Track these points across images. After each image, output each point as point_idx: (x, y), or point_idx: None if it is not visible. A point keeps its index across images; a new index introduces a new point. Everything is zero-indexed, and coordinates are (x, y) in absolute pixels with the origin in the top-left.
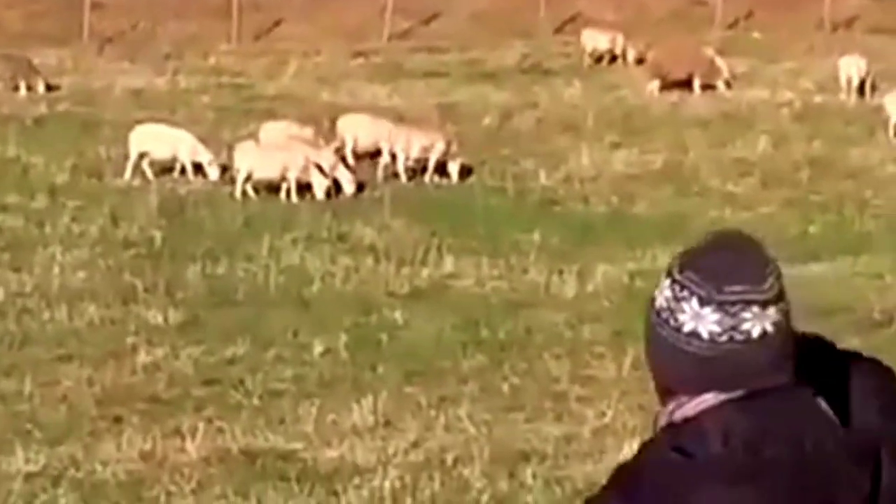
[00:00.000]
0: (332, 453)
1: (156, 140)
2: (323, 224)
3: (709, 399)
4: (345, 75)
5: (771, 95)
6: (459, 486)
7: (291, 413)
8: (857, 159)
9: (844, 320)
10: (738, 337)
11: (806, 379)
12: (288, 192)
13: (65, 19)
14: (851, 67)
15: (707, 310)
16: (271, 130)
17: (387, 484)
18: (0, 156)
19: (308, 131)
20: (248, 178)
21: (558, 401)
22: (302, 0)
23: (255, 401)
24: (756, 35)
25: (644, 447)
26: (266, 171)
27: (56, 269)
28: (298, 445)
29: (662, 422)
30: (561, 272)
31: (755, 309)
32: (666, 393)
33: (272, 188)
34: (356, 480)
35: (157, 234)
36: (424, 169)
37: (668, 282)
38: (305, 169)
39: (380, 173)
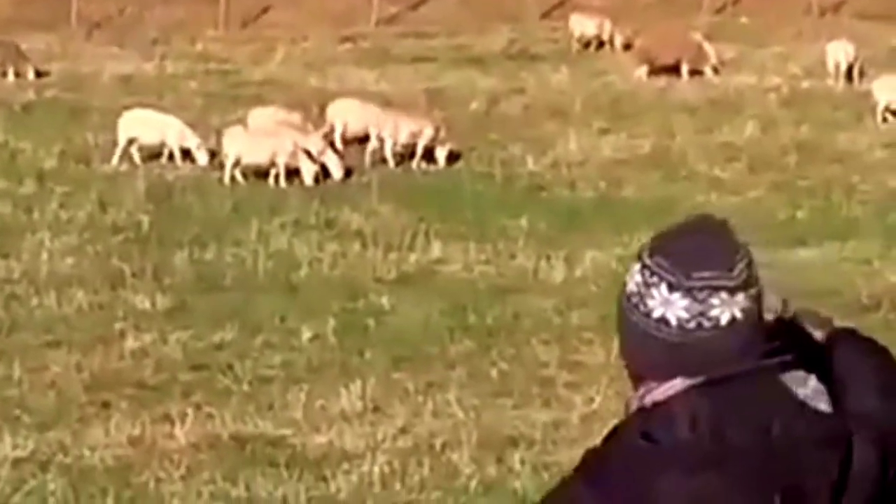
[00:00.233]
0: (320, 439)
1: (144, 125)
2: (311, 209)
3: (677, 385)
4: (332, 61)
5: (758, 81)
6: (448, 471)
7: (280, 399)
8: (844, 144)
9: (832, 305)
10: (707, 323)
11: (800, 357)
12: (276, 177)
13: (53, 5)
14: (839, 53)
15: (676, 296)
16: (259, 116)
17: (375, 469)
18: None
19: (296, 117)
20: (236, 164)
21: (546, 386)
22: None
23: (244, 386)
24: (744, 20)
25: (612, 432)
26: (255, 156)
27: (44, 255)
28: (287, 431)
29: (633, 407)
30: (549, 257)
31: (724, 295)
32: (636, 378)
33: (260, 173)
34: (345, 466)
35: (145, 220)
36: (412, 154)
37: (638, 266)
38: (294, 154)
39: (368, 159)
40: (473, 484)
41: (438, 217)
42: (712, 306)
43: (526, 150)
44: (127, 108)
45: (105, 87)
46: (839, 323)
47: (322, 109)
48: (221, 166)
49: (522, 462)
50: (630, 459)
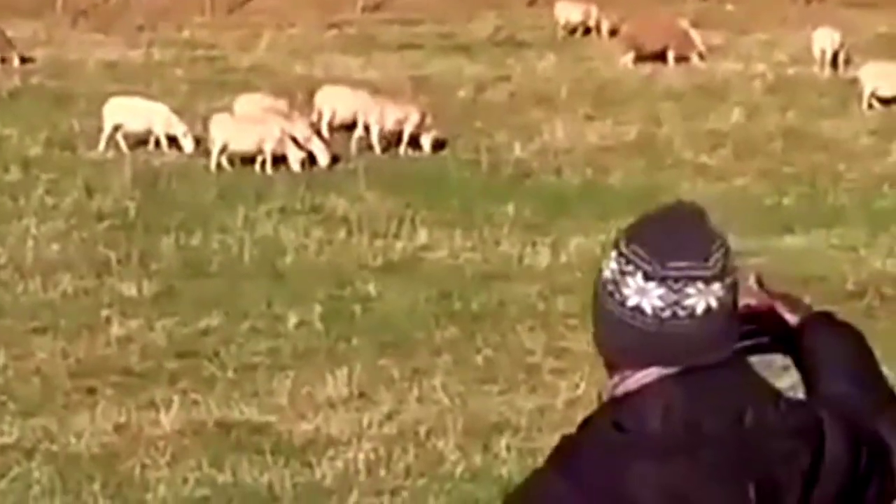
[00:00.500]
0: (306, 425)
1: (130, 112)
2: (297, 196)
3: (652, 374)
4: (318, 48)
5: (744, 67)
6: (433, 458)
7: (266, 385)
8: (830, 131)
9: (818, 292)
10: (682, 313)
11: (776, 342)
12: (263, 164)
13: None
14: (825, 40)
15: (651, 285)
16: (246, 103)
17: (361, 456)
18: None
19: (282, 103)
20: (223, 150)
21: (532, 373)
22: None
23: (230, 373)
24: (730, 7)
25: (585, 422)
26: (242, 143)
27: (30, 242)
28: (273, 418)
29: (606, 396)
30: (534, 244)
31: (699, 285)
32: (610, 366)
33: (247, 160)
34: (330, 452)
35: (132, 206)
36: (398, 141)
37: (614, 254)
38: (281, 141)
39: (354, 145)
40: (459, 470)
41: (425, 204)
42: (688, 296)
43: (512, 137)
44: (113, 94)
45: (91, 74)
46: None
47: (310, 96)
48: (208, 153)
49: (508, 448)
50: (602, 449)
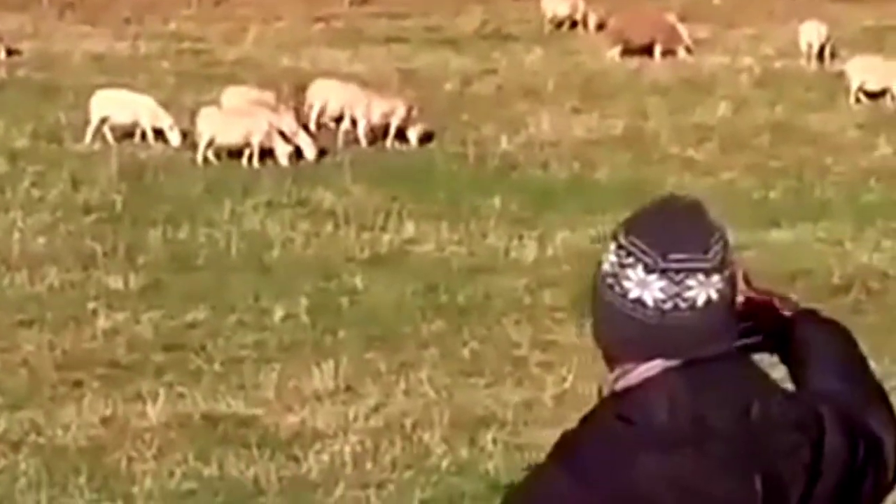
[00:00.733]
0: (292, 418)
1: (116, 105)
2: (283, 189)
3: (654, 367)
4: (305, 41)
5: (731, 61)
6: (420, 451)
7: (252, 378)
8: (817, 125)
9: (805, 286)
10: (683, 304)
11: (764, 340)
12: (250, 157)
13: None
14: (812, 33)
15: (652, 277)
16: (233, 95)
17: (347, 449)
18: None
19: (269, 96)
20: (210, 144)
21: (518, 366)
22: None
23: (216, 366)
24: (716, 1)
25: (588, 416)
26: (229, 136)
27: (16, 235)
28: (259, 411)
29: (606, 390)
30: (521, 237)
31: (700, 277)
32: (611, 359)
33: (233, 153)
34: (317, 446)
35: (118, 199)
36: (385, 134)
37: (613, 246)
38: (269, 134)
39: (340, 139)
40: (445, 464)
41: (411, 197)
42: (689, 288)
43: (499, 131)
44: (99, 87)
45: (77, 67)
46: (806, 305)
47: (299, 90)
48: (194, 146)
49: (494, 442)
50: (607, 442)
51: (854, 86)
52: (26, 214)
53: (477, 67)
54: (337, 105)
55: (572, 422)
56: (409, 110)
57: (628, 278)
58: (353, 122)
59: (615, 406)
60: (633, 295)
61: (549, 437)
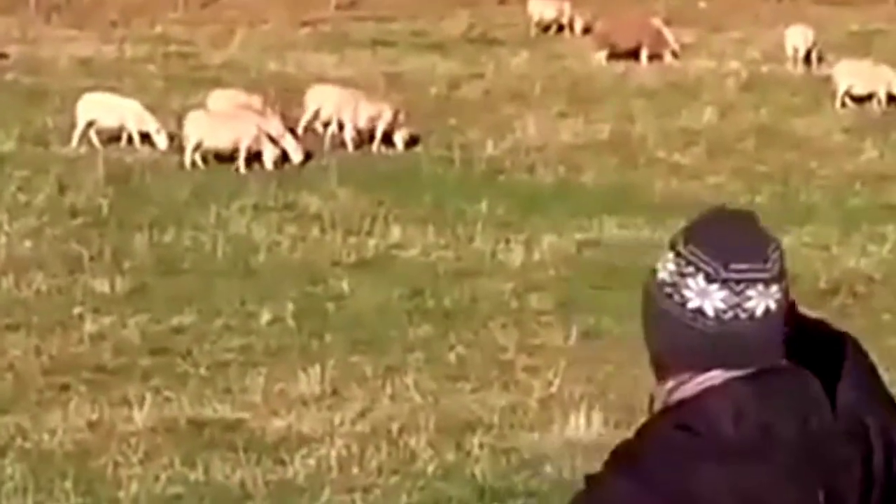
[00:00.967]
0: (279, 423)
1: (103, 109)
2: (270, 193)
3: (714, 377)
4: (292, 44)
5: (717, 65)
6: (406, 456)
7: (238, 382)
8: (803, 129)
9: (792, 291)
10: (743, 315)
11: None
12: (240, 160)
13: None
14: (798, 37)
15: (713, 287)
16: (220, 99)
17: (333, 453)
18: None
19: (256, 100)
20: (198, 147)
21: (504, 370)
22: None
23: (203, 370)
24: (702, 5)
25: (646, 426)
26: (218, 140)
27: (3, 239)
28: (245, 415)
29: (661, 400)
30: (507, 241)
31: (760, 287)
32: (664, 369)
33: (220, 157)
34: (303, 450)
35: (105, 203)
36: (371, 138)
37: (672, 255)
38: (257, 138)
39: (327, 142)
40: (431, 468)
41: (397, 201)
42: (749, 298)
43: (485, 135)
44: (86, 90)
45: (64, 70)
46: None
47: (296, 93)
48: (181, 150)
49: (481, 446)
50: (670, 451)
51: (841, 90)
52: (12, 218)
53: (463, 71)
54: (333, 110)
55: (559, 426)
56: (396, 114)
57: (688, 287)
58: (340, 126)
59: (674, 416)
60: (692, 304)
61: (535, 442)
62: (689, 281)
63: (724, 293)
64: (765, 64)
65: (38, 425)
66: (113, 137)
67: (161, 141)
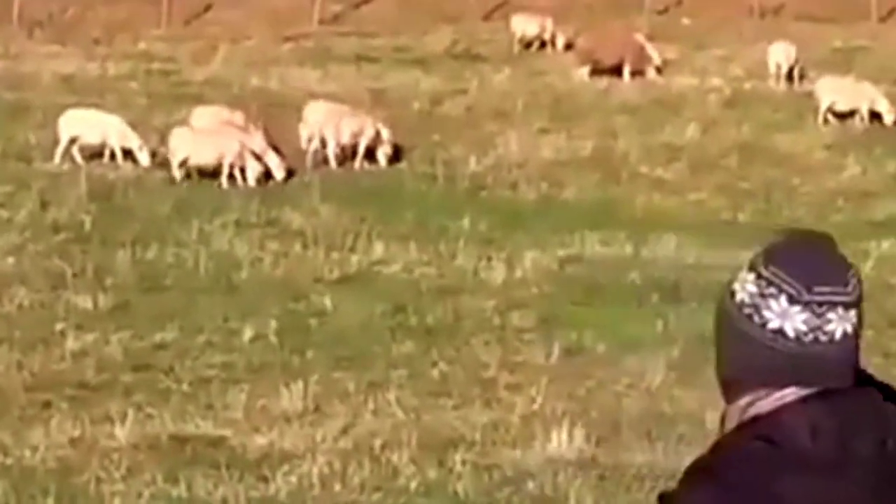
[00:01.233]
0: (261, 439)
1: (85, 125)
2: (252, 210)
3: (789, 394)
4: (275, 60)
5: (700, 82)
6: (388, 472)
7: (220, 399)
8: (785, 146)
9: None
10: (823, 337)
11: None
12: (223, 176)
13: None
14: (780, 54)
15: (795, 308)
16: (203, 116)
17: (315, 470)
18: None
19: (239, 116)
20: (183, 163)
21: (487, 387)
22: None
23: (185, 387)
24: (685, 21)
25: (722, 441)
26: (202, 156)
27: None
28: (228, 431)
29: (735, 417)
30: (490, 258)
31: (840, 311)
32: (737, 387)
33: (203, 173)
34: (285, 467)
35: (87, 219)
36: (354, 154)
37: (752, 276)
38: (240, 154)
39: (309, 159)
40: (413, 485)
41: (380, 217)
42: (829, 321)
43: (468, 151)
44: (68, 107)
45: (47, 86)
46: None
47: (279, 109)
48: (163, 166)
49: (463, 463)
50: (750, 461)
51: (823, 106)
52: None
53: (446, 87)
54: (316, 127)
55: (540, 442)
56: (378, 130)
57: (770, 308)
58: (323, 143)
59: (752, 429)
60: (773, 325)
61: (517, 459)
62: (771, 302)
63: (805, 315)
64: (747, 80)
65: (20, 441)
66: (95, 154)
67: (143, 157)
